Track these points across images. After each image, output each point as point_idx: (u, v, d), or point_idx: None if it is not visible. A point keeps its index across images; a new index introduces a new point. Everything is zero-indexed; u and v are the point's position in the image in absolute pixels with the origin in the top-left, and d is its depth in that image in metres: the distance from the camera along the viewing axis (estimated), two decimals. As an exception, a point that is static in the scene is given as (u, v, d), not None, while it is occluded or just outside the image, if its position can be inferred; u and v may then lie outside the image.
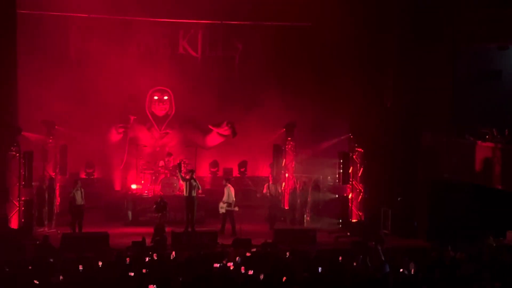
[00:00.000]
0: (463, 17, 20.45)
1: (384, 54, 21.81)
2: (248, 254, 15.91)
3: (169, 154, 24.26)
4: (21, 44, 20.46)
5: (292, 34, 26.12)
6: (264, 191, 22.41)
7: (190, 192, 20.29)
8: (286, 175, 23.16)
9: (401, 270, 14.21)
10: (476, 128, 19.38)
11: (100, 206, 22.75)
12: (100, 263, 14.64)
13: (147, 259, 15.26)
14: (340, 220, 21.92)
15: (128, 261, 14.81)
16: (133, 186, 23.58)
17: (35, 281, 12.54)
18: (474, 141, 19.19)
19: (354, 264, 14.73)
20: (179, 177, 21.13)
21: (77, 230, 19.90)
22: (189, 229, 20.06)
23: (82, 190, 20.38)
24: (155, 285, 12.21)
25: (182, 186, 21.86)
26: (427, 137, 21.15)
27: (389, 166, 21.21)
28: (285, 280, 12.78)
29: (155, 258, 15.27)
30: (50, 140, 21.80)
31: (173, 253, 16.15)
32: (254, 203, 23.28)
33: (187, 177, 20.64)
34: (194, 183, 20.35)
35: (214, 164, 26.27)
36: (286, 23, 26.07)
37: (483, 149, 18.90)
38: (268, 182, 22.59)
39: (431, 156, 21.03)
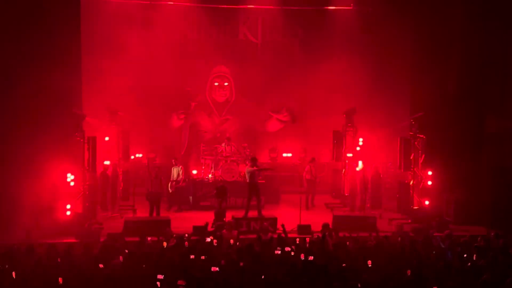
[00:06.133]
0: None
1: (447, 38, 21.31)
2: (307, 239, 15.91)
3: (228, 139, 24.21)
4: (84, 31, 20.77)
5: (353, 19, 25.86)
6: (304, 173, 22.67)
7: (252, 178, 20.21)
8: (346, 161, 22.96)
9: (464, 256, 14.00)
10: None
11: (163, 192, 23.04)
12: (164, 244, 14.94)
13: (208, 242, 15.43)
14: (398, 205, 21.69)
15: (188, 245, 15.04)
16: (194, 172, 23.75)
17: (100, 265, 12.80)
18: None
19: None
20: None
21: (154, 214, 20.20)
22: (252, 215, 20.04)
23: (161, 177, 20.66)
24: (217, 268, 12.34)
25: (243, 172, 21.81)
26: (492, 123, 20.66)
27: (451, 152, 20.81)
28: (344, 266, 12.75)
29: (215, 243, 15.40)
30: (113, 126, 22.13)
31: (235, 233, 16.36)
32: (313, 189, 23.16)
33: (248, 165, 20.55)
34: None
35: (274, 149, 26.32)
36: (347, 7, 25.83)
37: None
38: (310, 164, 22.78)
39: (495, 142, 20.54)
